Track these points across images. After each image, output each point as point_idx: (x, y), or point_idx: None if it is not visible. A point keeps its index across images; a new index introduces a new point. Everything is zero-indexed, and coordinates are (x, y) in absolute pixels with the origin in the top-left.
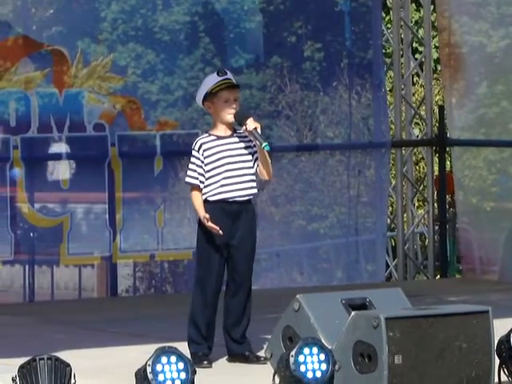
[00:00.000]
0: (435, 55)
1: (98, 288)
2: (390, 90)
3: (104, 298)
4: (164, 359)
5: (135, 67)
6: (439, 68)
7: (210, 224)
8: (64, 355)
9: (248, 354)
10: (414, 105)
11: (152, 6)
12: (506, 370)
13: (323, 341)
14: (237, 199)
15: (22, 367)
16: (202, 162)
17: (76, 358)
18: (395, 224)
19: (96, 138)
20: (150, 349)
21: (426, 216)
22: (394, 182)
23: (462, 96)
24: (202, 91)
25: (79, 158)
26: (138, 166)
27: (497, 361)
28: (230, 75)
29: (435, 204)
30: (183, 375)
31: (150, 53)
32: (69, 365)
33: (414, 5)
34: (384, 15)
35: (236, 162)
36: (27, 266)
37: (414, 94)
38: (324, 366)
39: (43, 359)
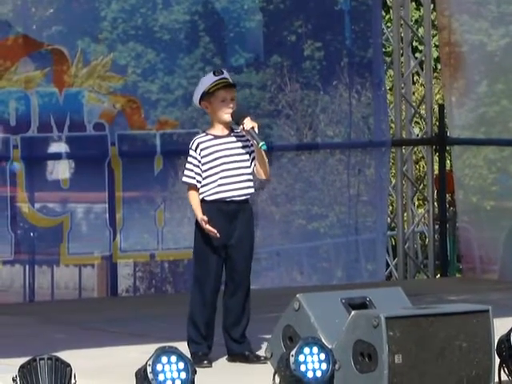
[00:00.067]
0: (435, 54)
1: (98, 288)
2: (390, 89)
3: (104, 297)
4: (164, 359)
5: (135, 66)
6: (439, 67)
7: (207, 227)
8: (64, 355)
9: (248, 353)
10: (414, 104)
11: (152, 5)
12: (506, 369)
13: (323, 340)
14: (234, 199)
15: (22, 367)
16: (199, 162)
17: (76, 358)
18: (395, 223)
19: (96, 137)
20: (151, 349)
21: (426, 215)
22: (394, 181)
23: (462, 95)
24: (199, 91)
25: (79, 157)
26: (138, 166)
27: (497, 360)
28: (226, 74)
29: (435, 203)
30: (183, 375)
31: (150, 52)
32: (69, 365)
33: (414, 3)
34: (384, 14)
35: (233, 162)
36: (27, 266)
37: (414, 93)
38: (324, 366)
39: (43, 359)
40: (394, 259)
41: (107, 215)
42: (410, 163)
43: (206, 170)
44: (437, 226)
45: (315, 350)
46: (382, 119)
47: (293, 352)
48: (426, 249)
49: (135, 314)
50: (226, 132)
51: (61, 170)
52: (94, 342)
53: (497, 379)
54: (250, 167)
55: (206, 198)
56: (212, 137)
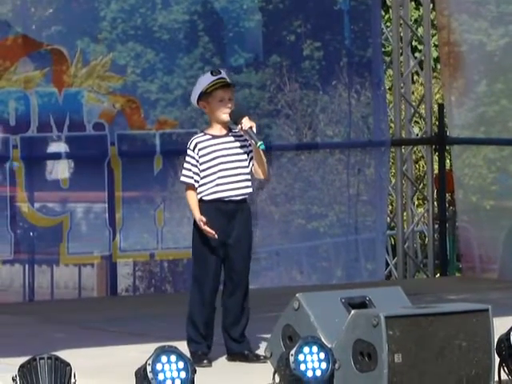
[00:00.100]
0: (435, 54)
1: (98, 287)
2: (390, 89)
3: (104, 297)
4: (164, 358)
5: (134, 66)
6: (439, 66)
7: (205, 228)
8: (64, 354)
9: (247, 352)
10: (413, 103)
11: (151, 5)
12: (505, 368)
13: (323, 339)
14: (232, 198)
15: (22, 367)
16: (197, 162)
17: (76, 358)
18: (395, 222)
19: (95, 137)
20: (150, 348)
21: (425, 214)
22: (393, 181)
23: (462, 94)
24: (197, 91)
25: (79, 157)
26: (138, 165)
27: (497, 359)
28: (224, 74)
29: (435, 202)
30: (183, 374)
31: (150, 52)
32: (69, 364)
33: (413, 3)
34: (383, 14)
35: (231, 162)
36: (27, 266)
37: (413, 93)
38: (324, 365)
39: (43, 358)
40: (394, 258)
41: (107, 215)
42: (409, 163)
43: (204, 170)
44: (436, 226)
45: (315, 349)
46: (381, 119)
47: (292, 351)
48: (426, 248)
49: (135, 314)
50: (224, 132)
51: (60, 170)
52: (93, 342)
53: (496, 378)
54: (247, 167)
55: (204, 198)
56: (210, 136)
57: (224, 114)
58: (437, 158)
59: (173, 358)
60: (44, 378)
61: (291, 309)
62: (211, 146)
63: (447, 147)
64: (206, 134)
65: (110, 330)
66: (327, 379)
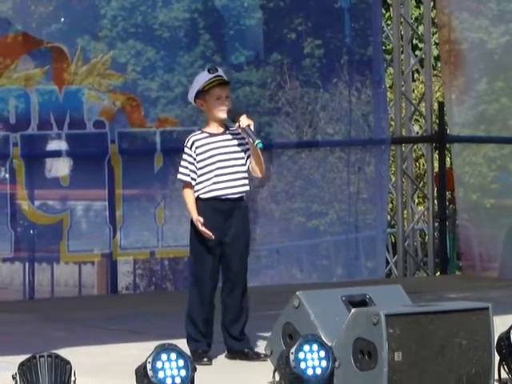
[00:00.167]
0: (435, 52)
1: (98, 285)
2: (390, 87)
3: (104, 295)
4: (164, 356)
5: (135, 64)
6: (439, 64)
7: (202, 228)
8: (64, 352)
9: (248, 350)
10: (413, 101)
11: (152, 3)
12: (505, 366)
13: (323, 338)
14: (229, 197)
15: (21, 365)
16: (194, 159)
17: (76, 356)
18: (395, 221)
19: (96, 135)
20: (150, 346)
21: (425, 213)
22: (393, 179)
23: (462, 92)
24: (194, 89)
25: (79, 155)
26: (138, 163)
27: (497, 357)
28: (221, 72)
29: (435, 201)
30: (183, 372)
31: (150, 50)
32: (69, 362)
33: (413, 1)
34: (384, 12)
35: (228, 160)
36: (27, 264)
37: (413, 91)
38: (324, 363)
39: (43, 357)
40: (394, 257)
41: (107, 213)
42: (409, 161)
43: (201, 168)
44: (436, 224)
45: (315, 347)
46: (381, 117)
47: (293, 349)
48: (426, 246)
49: (135, 312)
50: (221, 130)
51: (60, 168)
52: (93, 340)
53: (496, 377)
54: (245, 165)
55: (201, 196)
56: (207, 134)
57: (221, 112)
58: (437, 156)
59: (173, 356)
60: (44, 376)
61: (291, 307)
62: (208, 144)
63: (447, 145)
64: (203, 132)
65: (110, 328)
66: (327, 377)
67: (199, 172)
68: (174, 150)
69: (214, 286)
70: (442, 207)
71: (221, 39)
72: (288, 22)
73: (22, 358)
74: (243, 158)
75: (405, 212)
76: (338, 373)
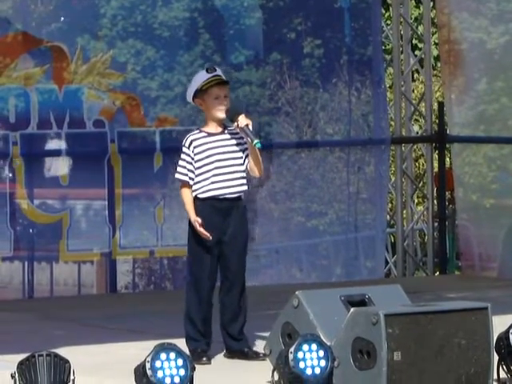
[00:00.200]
0: (435, 52)
1: (98, 284)
2: (390, 87)
3: (103, 294)
4: (163, 356)
5: (135, 63)
6: (439, 64)
7: (200, 229)
8: (63, 351)
9: (247, 350)
10: (413, 101)
11: (151, 2)
12: (504, 366)
13: (322, 337)
14: (227, 196)
15: (21, 363)
16: (192, 159)
17: (75, 355)
18: (395, 220)
19: (95, 134)
20: (149, 345)
21: (425, 213)
22: (393, 179)
23: (462, 92)
24: (192, 88)
25: (79, 154)
26: (138, 163)
27: (496, 357)
28: (219, 71)
29: (435, 201)
30: (182, 372)
31: (150, 49)
32: (68, 361)
33: (413, 1)
34: (384, 12)
35: (226, 159)
36: (26, 263)
37: (413, 91)
38: (323, 363)
39: (42, 355)
40: (393, 256)
41: (107, 212)
42: (409, 161)
43: (199, 168)
44: (436, 224)
45: (314, 347)
46: (381, 117)
47: (292, 349)
48: (425, 246)
49: (134, 311)
50: (219, 129)
51: (60, 167)
52: (92, 339)
53: (495, 376)
54: (243, 165)
55: (199, 196)
56: (205, 134)
57: (219, 112)
58: (437, 156)
59: (172, 355)
60: (43, 375)
61: (291, 306)
62: (206, 143)
63: (447, 145)
64: (201, 132)
65: (109, 327)
66: (326, 377)
67: (197, 171)
68: (173, 150)
69: (212, 285)
70: (441, 207)
71: (220, 39)
72: (288, 22)
73: (21, 356)
74: (241, 157)
75: (404, 212)
76: (337, 372)
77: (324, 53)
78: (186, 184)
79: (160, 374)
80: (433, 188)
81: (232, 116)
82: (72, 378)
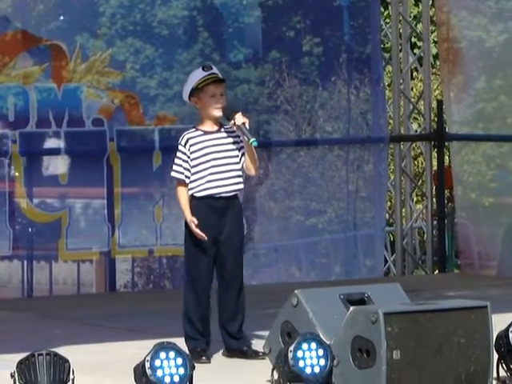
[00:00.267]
0: (434, 50)
1: (97, 283)
2: (389, 85)
3: (102, 293)
4: (162, 355)
5: (134, 62)
6: (438, 63)
7: (196, 230)
8: (62, 351)
9: (246, 349)
10: (412, 99)
11: (150, 0)
12: (504, 364)
13: (322, 336)
14: (223, 195)
15: (20, 363)
16: (188, 157)
17: (74, 354)
18: (394, 219)
19: (95, 132)
20: (149, 344)
21: (424, 211)
22: (392, 177)
23: (461, 91)
24: (188, 86)
25: (78, 152)
26: (137, 161)
27: (495, 356)
28: (215, 70)
29: (434, 199)
30: (182, 371)
31: (149, 47)
32: (67, 360)
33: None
34: (383, 10)
35: (222, 158)
36: (25, 262)
37: (412, 89)
38: (322, 362)
39: (42, 355)
40: (393, 255)
41: (106, 211)
42: (408, 159)
43: (194, 166)
44: (435, 222)
45: (313, 345)
46: (380, 115)
47: (291, 348)
48: (425, 245)
49: (133, 310)
50: (215, 128)
51: (59, 166)
52: (92, 338)
53: (495, 375)
54: (239, 163)
55: (195, 194)
56: (202, 132)
57: (216, 110)
58: (436, 155)
59: (171, 354)
60: (42, 375)
61: (290, 305)
62: (203, 141)
63: (446, 143)
64: (197, 130)
65: (108, 326)
66: (326, 376)
67: (193, 170)
68: (172, 148)
69: (209, 284)
70: (440, 205)
71: (219, 37)
72: (287, 20)
73: (21, 356)
74: (237, 156)
75: (403, 210)
76: (337, 371)
77: (323, 51)
78: (182, 182)
79: (159, 372)
80: (432, 186)
81: (229, 114)
82: (71, 377)
